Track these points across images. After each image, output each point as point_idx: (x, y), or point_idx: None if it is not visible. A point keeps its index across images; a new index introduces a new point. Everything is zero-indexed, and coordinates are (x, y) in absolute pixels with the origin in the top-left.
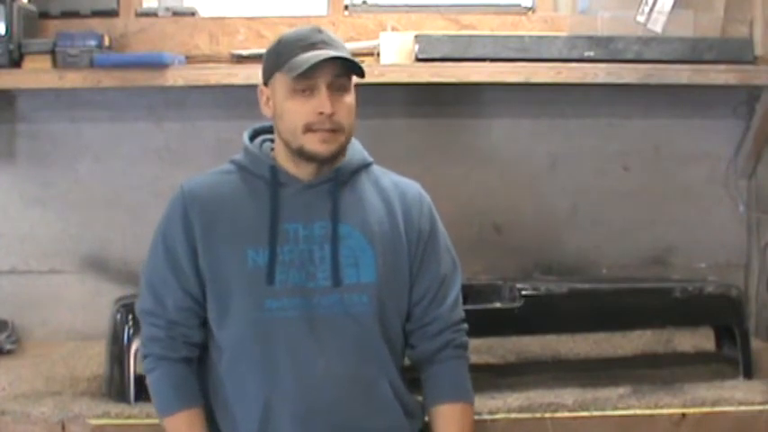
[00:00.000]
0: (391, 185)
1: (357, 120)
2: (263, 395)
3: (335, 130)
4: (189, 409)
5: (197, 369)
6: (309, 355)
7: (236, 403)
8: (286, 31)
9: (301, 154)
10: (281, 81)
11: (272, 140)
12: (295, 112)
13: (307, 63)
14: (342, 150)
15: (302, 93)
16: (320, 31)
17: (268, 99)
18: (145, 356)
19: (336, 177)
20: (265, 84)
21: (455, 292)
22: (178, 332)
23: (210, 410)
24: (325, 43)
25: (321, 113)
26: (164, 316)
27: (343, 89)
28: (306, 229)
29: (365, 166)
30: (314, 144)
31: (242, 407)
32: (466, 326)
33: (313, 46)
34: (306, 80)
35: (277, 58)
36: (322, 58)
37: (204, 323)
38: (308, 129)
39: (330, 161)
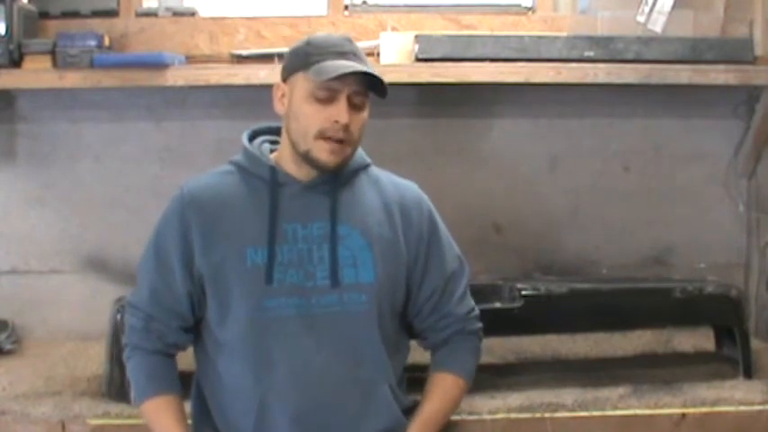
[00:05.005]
0: (390, 186)
1: None
2: (259, 393)
3: (345, 142)
4: (159, 396)
5: (194, 364)
6: (307, 354)
7: (233, 401)
8: (317, 33)
9: (306, 158)
10: (302, 82)
11: (271, 142)
12: (311, 117)
13: (337, 71)
14: (345, 162)
15: (322, 100)
16: (351, 42)
17: (283, 96)
18: (125, 345)
19: (335, 179)
20: (284, 80)
21: (462, 286)
22: (154, 327)
23: (208, 409)
24: (355, 56)
25: (336, 122)
26: (144, 309)
27: (362, 105)
28: (304, 229)
29: (363, 167)
30: (322, 152)
31: (238, 405)
32: (476, 313)
33: (343, 55)
34: (329, 89)
35: (306, 58)
36: (354, 69)
37: (187, 329)
38: (321, 135)
39: (333, 171)
